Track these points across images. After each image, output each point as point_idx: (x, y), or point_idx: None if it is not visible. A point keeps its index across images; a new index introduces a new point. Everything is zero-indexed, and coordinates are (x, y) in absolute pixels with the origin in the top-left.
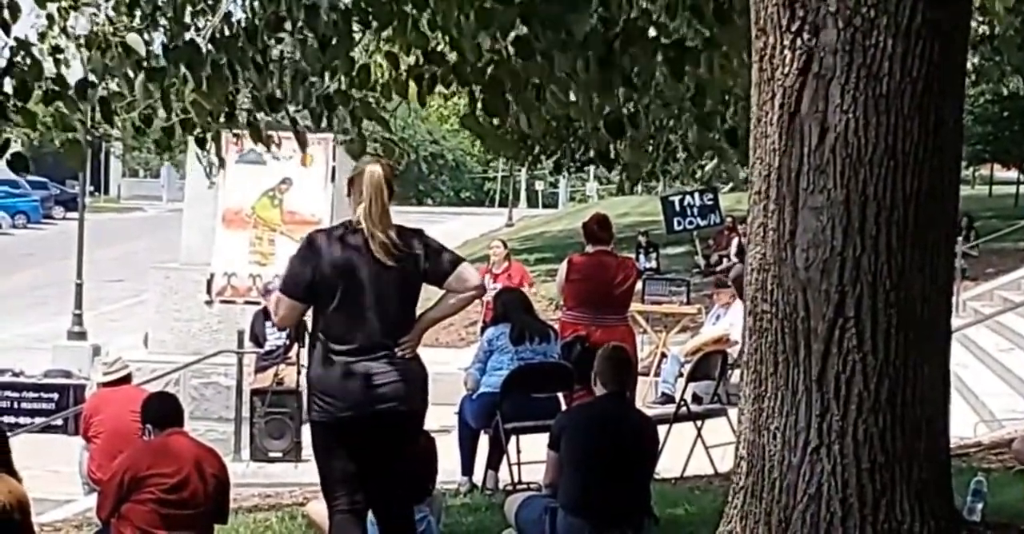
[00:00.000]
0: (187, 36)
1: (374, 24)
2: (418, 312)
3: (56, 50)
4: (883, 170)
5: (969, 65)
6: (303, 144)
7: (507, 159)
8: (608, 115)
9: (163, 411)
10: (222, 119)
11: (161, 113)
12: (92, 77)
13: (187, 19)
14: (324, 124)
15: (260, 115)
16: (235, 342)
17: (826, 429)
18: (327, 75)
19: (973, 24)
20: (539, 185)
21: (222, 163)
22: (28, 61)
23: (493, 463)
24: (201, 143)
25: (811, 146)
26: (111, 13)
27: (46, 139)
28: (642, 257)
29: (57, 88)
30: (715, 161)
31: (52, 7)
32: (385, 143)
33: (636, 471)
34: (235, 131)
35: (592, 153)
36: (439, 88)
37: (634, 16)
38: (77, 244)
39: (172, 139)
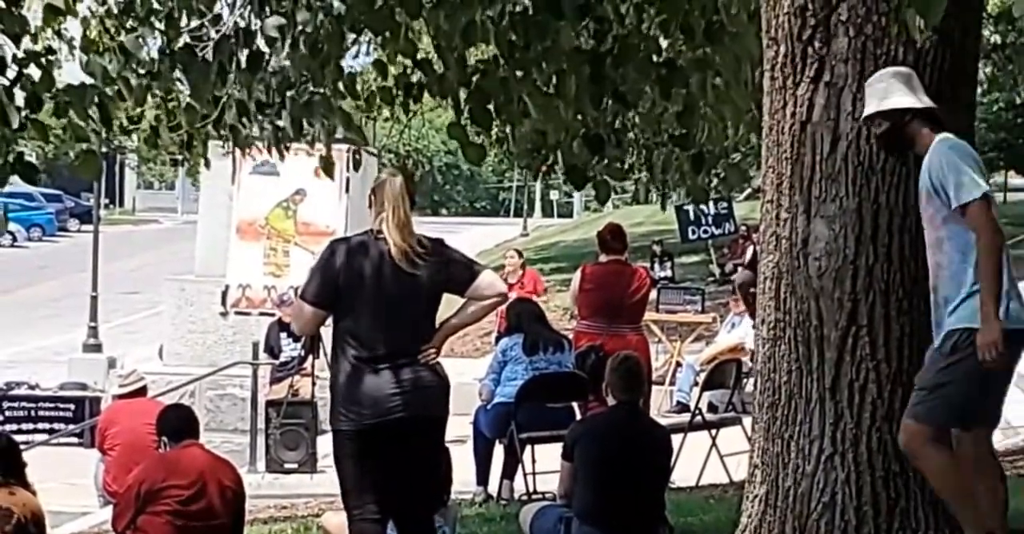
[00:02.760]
0: (183, 40)
1: (366, 32)
2: (439, 320)
3: (49, 51)
4: (895, 178)
5: (982, 74)
6: (282, 154)
7: (521, 169)
8: (587, 131)
9: (178, 423)
10: (209, 126)
11: (149, 114)
12: (90, 80)
13: (183, 22)
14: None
15: (246, 122)
16: (250, 353)
17: (840, 437)
18: (313, 82)
19: (985, 33)
20: (554, 195)
21: (207, 164)
22: (38, 72)
23: (508, 473)
24: (188, 145)
25: (823, 154)
26: (106, 21)
27: (60, 151)
28: (657, 266)
29: (68, 99)
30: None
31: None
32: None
33: (650, 480)
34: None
35: (563, 168)
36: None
37: (626, 33)
38: (92, 256)
39: (159, 138)
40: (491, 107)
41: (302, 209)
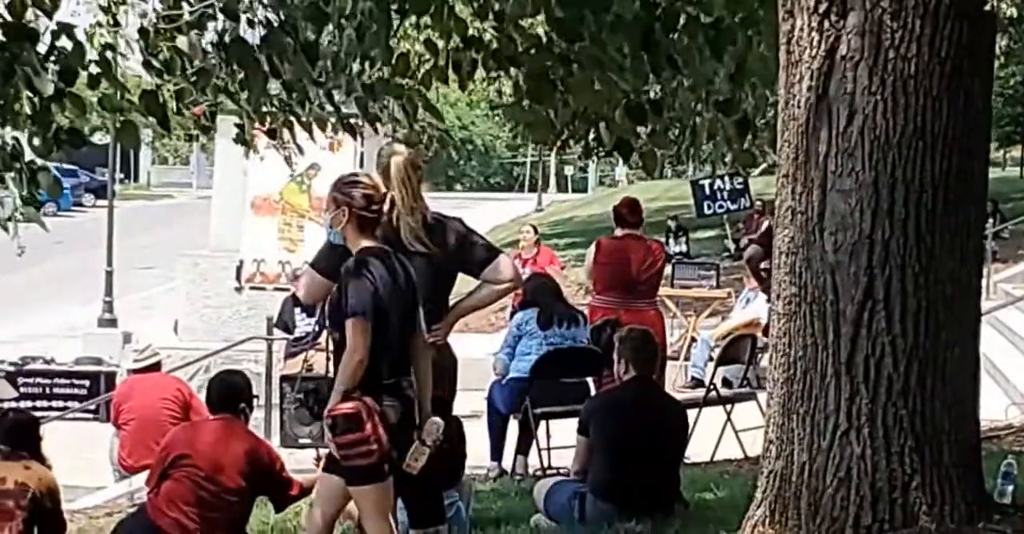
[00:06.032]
0: (235, 33)
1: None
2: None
3: (107, 48)
4: (911, 152)
5: (998, 47)
6: (352, 132)
7: (536, 144)
8: (629, 102)
9: (212, 395)
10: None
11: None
12: (150, 78)
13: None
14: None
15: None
16: (264, 328)
17: (855, 412)
18: (367, 64)
19: (1002, 5)
20: (568, 170)
21: (255, 148)
22: (71, 44)
23: (522, 448)
24: (241, 127)
25: (839, 129)
26: (158, 6)
27: (78, 125)
28: (672, 241)
29: (101, 70)
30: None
31: (103, 2)
32: (439, 134)
33: (665, 455)
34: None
35: (607, 141)
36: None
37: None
38: (107, 232)
39: (213, 123)
40: (552, 81)
41: (316, 184)
